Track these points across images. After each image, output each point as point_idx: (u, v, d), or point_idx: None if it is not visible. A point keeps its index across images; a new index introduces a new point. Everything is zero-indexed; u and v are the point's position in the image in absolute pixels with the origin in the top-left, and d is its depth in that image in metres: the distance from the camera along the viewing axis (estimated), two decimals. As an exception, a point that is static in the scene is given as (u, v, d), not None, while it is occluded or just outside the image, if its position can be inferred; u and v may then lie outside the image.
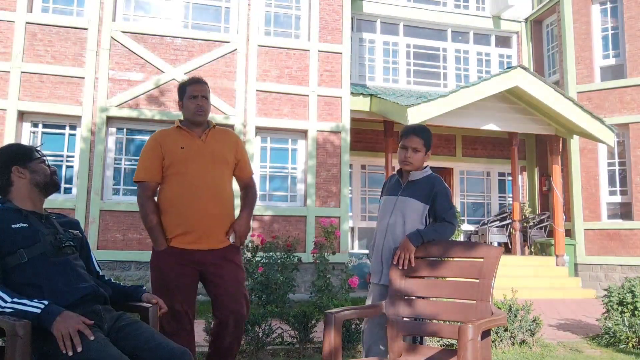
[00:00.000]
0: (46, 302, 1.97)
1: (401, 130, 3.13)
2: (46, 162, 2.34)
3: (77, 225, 2.44)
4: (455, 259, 2.83)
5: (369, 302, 3.05)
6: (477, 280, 2.65)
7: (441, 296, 2.81)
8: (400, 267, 2.80)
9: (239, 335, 2.92)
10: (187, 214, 2.80)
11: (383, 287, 2.93)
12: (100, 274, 2.46)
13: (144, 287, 2.54)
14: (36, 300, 1.97)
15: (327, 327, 2.49)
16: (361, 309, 2.85)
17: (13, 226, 2.14)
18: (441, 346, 4.16)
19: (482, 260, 2.68)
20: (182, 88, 3.00)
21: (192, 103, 2.91)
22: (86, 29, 8.46)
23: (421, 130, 3.05)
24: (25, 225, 2.17)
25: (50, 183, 2.32)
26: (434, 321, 2.81)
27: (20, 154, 2.29)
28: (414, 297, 2.81)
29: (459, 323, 2.56)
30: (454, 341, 4.14)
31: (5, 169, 2.25)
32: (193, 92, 2.92)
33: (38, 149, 2.37)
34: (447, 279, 2.84)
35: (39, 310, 1.94)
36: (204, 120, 2.96)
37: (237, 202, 3.07)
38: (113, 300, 2.35)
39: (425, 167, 3.08)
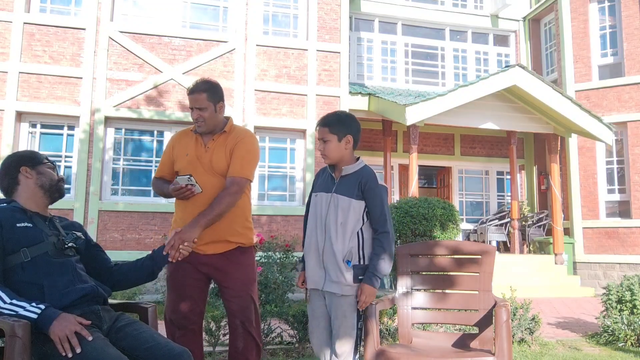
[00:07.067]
0: (43, 307, 1.97)
1: None
2: (56, 170, 2.41)
3: (80, 227, 2.45)
4: (455, 256, 3.09)
5: (310, 309, 2.82)
6: (478, 274, 2.95)
7: (446, 289, 3.06)
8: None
9: (251, 339, 2.85)
10: (186, 221, 2.75)
11: (328, 294, 2.70)
12: (112, 264, 2.51)
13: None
14: (34, 304, 1.97)
15: (370, 318, 2.67)
16: (381, 301, 2.91)
17: (18, 225, 2.16)
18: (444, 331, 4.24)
19: (479, 257, 2.97)
20: None
21: (191, 114, 2.89)
22: (84, 29, 8.45)
23: (326, 118, 2.77)
24: (29, 225, 2.19)
25: (55, 188, 2.36)
26: (442, 310, 3.09)
27: (31, 157, 2.36)
28: (422, 290, 3.06)
29: (463, 310, 3.08)
30: (454, 329, 4.30)
31: (14, 169, 2.31)
32: (189, 103, 2.89)
33: (50, 159, 2.44)
34: (451, 273, 3.08)
35: (35, 316, 1.94)
36: (203, 131, 2.88)
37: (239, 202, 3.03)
38: (134, 280, 2.47)
39: (358, 158, 2.81)
